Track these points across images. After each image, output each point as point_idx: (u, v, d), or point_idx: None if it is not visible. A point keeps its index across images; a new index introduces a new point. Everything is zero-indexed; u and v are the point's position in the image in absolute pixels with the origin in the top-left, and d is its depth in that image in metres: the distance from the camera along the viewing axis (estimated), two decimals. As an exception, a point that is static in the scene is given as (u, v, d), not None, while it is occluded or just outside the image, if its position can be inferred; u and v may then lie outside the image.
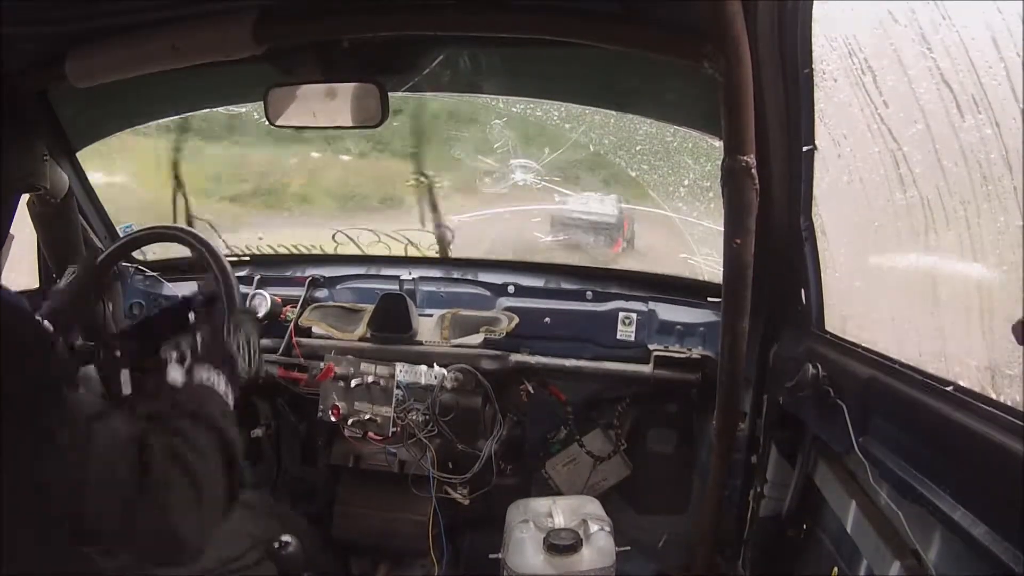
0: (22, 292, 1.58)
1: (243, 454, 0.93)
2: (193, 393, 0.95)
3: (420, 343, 1.64)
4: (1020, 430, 0.63)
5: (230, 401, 0.99)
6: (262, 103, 1.30)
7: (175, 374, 1.03)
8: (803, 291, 1.16)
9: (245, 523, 1.25)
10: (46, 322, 1.22)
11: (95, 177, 1.72)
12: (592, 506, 1.54)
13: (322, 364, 1.58)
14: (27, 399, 0.73)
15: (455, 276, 1.77)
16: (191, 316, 1.24)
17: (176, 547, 0.78)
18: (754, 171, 1.01)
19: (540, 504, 1.54)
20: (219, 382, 0.98)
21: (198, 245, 1.35)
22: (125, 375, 1.27)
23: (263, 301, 1.73)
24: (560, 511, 1.49)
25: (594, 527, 1.44)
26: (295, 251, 1.97)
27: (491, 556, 1.48)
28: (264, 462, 1.86)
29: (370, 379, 1.55)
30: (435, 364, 1.57)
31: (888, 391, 0.86)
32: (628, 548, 1.48)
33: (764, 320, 1.27)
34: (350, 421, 1.55)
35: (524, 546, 1.42)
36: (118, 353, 1.27)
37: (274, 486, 1.85)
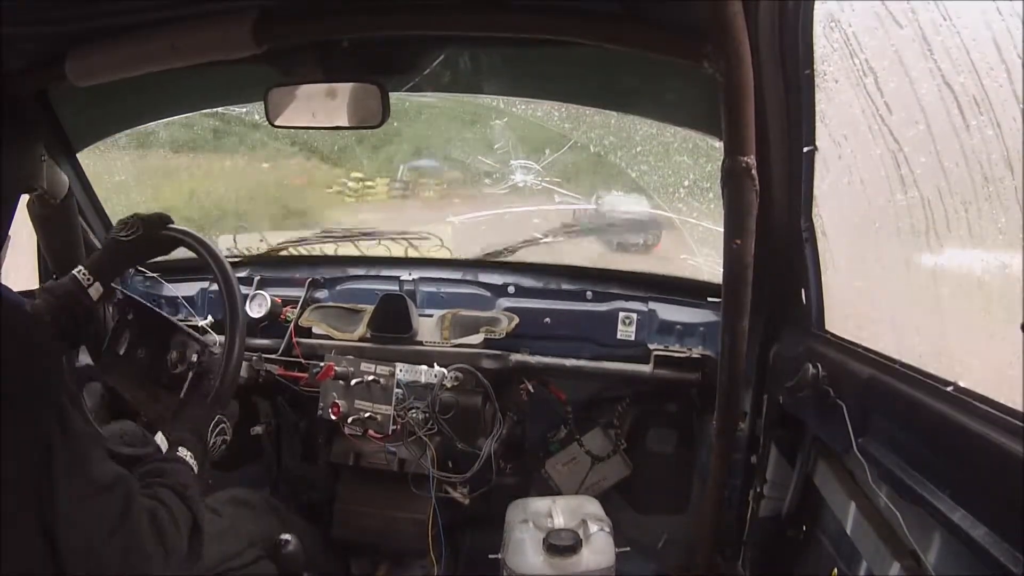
0: (23, 293, 1.58)
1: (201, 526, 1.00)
2: (173, 465, 1.01)
3: (420, 343, 1.64)
4: (1020, 431, 0.63)
5: (194, 471, 1.05)
6: (262, 103, 1.30)
7: (159, 440, 1.09)
8: (803, 291, 1.16)
9: (245, 521, 1.25)
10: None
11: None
12: (592, 506, 1.54)
13: (322, 364, 1.58)
14: (27, 404, 0.73)
15: (455, 277, 1.77)
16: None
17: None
18: (754, 172, 1.01)
19: (540, 504, 1.54)
20: (191, 459, 1.05)
21: (198, 247, 1.34)
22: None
23: (263, 302, 1.74)
24: (560, 511, 1.49)
25: (594, 528, 1.44)
26: (295, 252, 1.97)
27: (491, 556, 1.48)
28: (264, 460, 1.87)
29: (370, 378, 1.55)
30: (435, 364, 1.57)
31: (888, 391, 0.86)
32: (628, 549, 1.48)
33: (764, 320, 1.28)
34: (350, 419, 1.55)
35: (524, 546, 1.43)
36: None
37: (274, 484, 1.86)
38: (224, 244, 1.96)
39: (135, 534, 0.81)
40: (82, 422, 0.81)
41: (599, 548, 1.42)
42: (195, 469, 1.04)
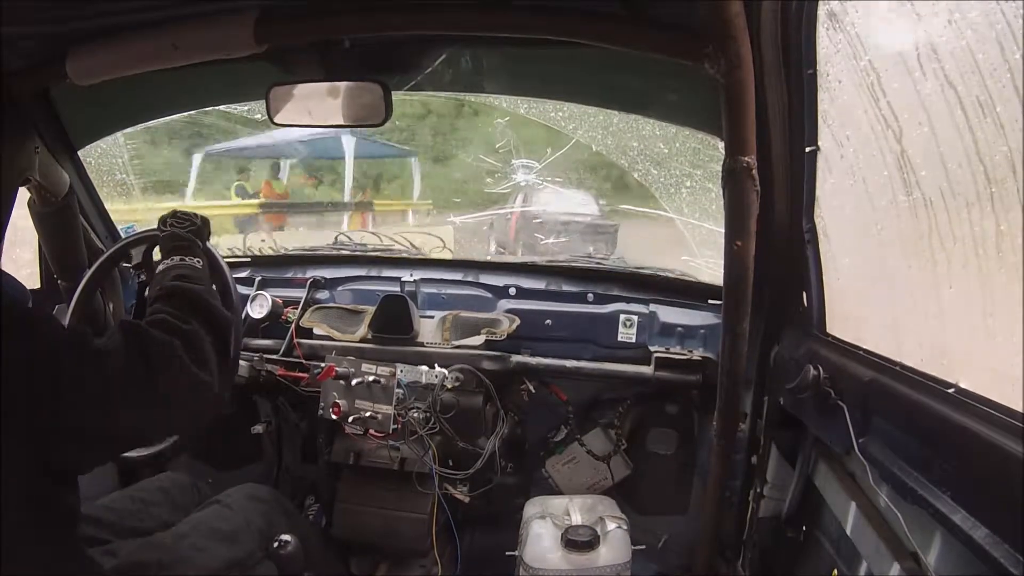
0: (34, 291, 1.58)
1: (218, 298, 1.10)
2: (156, 279, 1.08)
3: (421, 344, 1.64)
4: (1021, 432, 0.63)
5: (195, 263, 1.13)
6: (263, 102, 1.30)
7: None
8: (804, 293, 1.16)
9: (255, 517, 1.25)
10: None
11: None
12: (608, 505, 1.55)
13: (323, 364, 1.58)
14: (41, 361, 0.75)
15: (456, 278, 1.77)
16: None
17: (201, 396, 0.91)
18: (755, 172, 1.01)
19: (557, 501, 1.55)
20: (173, 259, 1.12)
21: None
22: None
23: (264, 302, 1.74)
24: (577, 509, 1.50)
25: (611, 525, 1.45)
26: (297, 253, 1.97)
27: (508, 554, 1.49)
28: (265, 459, 1.87)
29: (371, 378, 1.55)
30: (436, 364, 1.57)
31: (889, 393, 0.86)
32: (644, 547, 1.49)
33: (765, 322, 1.27)
34: (351, 419, 1.55)
35: (542, 542, 1.43)
36: None
37: (275, 484, 1.86)
38: (226, 244, 1.96)
39: (165, 357, 0.86)
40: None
41: (616, 545, 1.43)
42: (192, 262, 1.11)
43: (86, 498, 0.92)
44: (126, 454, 1.22)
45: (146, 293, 1.38)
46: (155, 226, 1.29)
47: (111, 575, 0.97)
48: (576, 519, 1.47)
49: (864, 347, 0.98)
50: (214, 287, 1.23)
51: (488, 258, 1.84)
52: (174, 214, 1.25)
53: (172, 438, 1.26)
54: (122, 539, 1.13)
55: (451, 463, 1.60)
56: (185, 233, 1.20)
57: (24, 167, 1.35)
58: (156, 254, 1.43)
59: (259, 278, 1.80)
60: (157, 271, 1.12)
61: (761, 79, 1.01)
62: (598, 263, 1.84)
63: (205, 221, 1.27)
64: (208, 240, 1.27)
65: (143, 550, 1.07)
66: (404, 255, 1.92)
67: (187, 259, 1.13)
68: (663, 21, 1.03)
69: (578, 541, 1.40)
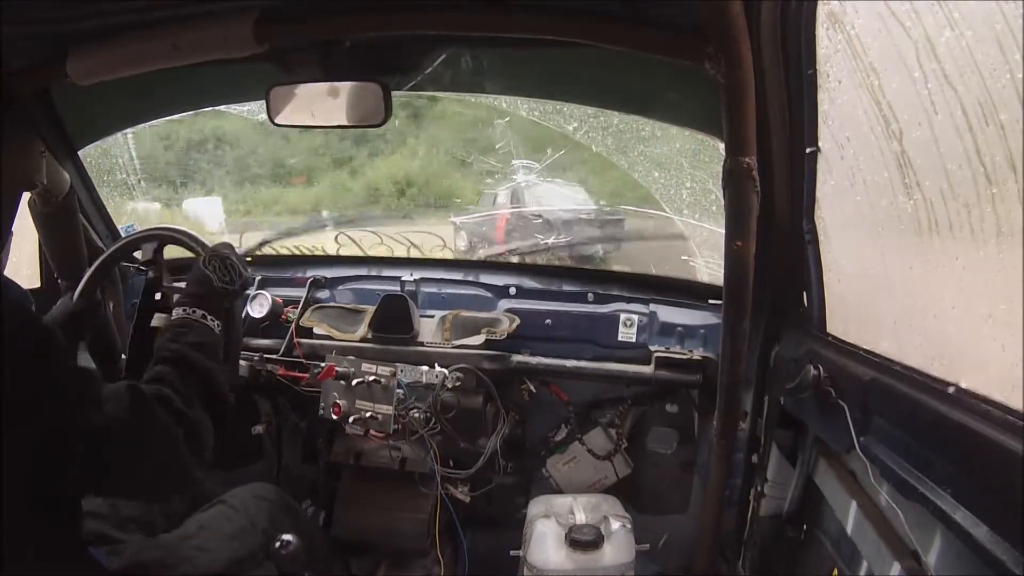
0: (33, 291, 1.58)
1: (228, 378, 1.03)
2: (171, 333, 1.01)
3: (421, 344, 1.64)
4: (1021, 431, 0.63)
5: (212, 325, 1.05)
6: (264, 102, 1.30)
7: (156, 322, 1.15)
8: (805, 293, 1.16)
9: (260, 518, 1.25)
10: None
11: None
12: (612, 504, 1.55)
13: (323, 364, 1.58)
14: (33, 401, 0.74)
15: (456, 278, 1.77)
16: (157, 296, 1.31)
17: (185, 485, 0.90)
18: (755, 173, 1.01)
19: (561, 500, 1.56)
20: (195, 312, 1.04)
21: (196, 246, 1.35)
22: None
23: (264, 302, 1.74)
24: (581, 508, 1.51)
25: (615, 524, 1.46)
26: (297, 252, 1.97)
27: (512, 553, 1.49)
28: (265, 459, 1.87)
29: (371, 378, 1.55)
30: (436, 364, 1.57)
31: (889, 392, 0.86)
32: (647, 546, 1.49)
33: (765, 321, 1.28)
34: (351, 419, 1.55)
35: (546, 541, 1.43)
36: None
37: (275, 483, 1.86)
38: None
39: (153, 426, 0.83)
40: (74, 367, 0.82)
41: (620, 544, 1.43)
42: (207, 318, 1.03)
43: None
44: None
45: (156, 296, 1.36)
46: (170, 227, 1.26)
47: None
48: (580, 518, 1.47)
49: (864, 347, 0.98)
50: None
51: (489, 257, 1.84)
52: (225, 260, 1.15)
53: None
54: (122, 530, 1.13)
55: (451, 463, 1.60)
56: (220, 288, 1.12)
57: (30, 170, 1.35)
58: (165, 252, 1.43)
59: (259, 277, 1.80)
60: (174, 318, 1.05)
61: (761, 79, 1.01)
62: (598, 262, 1.85)
63: (246, 282, 1.18)
64: (194, 235, 1.26)
65: (148, 550, 1.07)
66: (404, 255, 1.92)
67: (208, 318, 1.05)
68: (663, 21, 1.03)
69: (582, 540, 1.40)
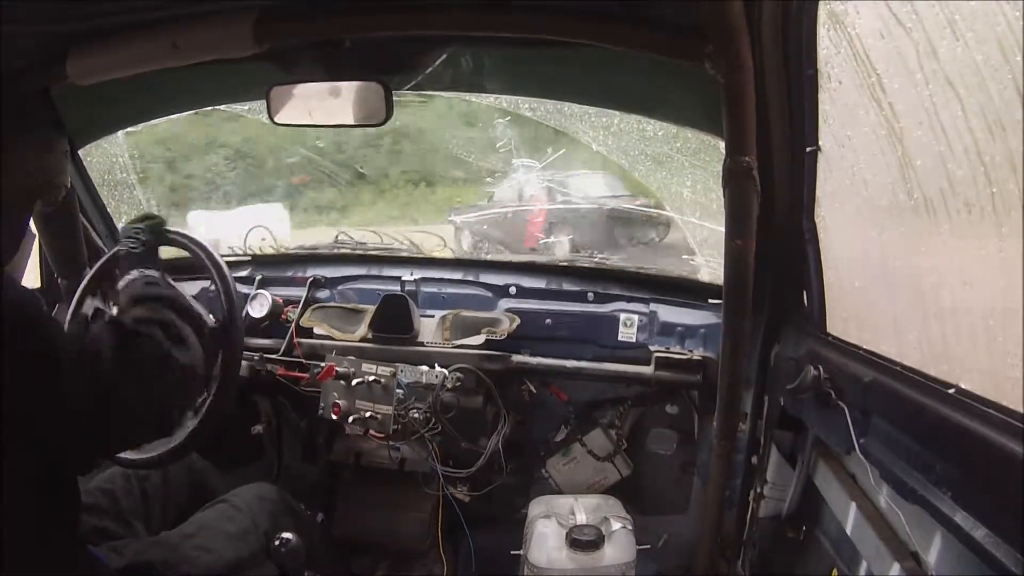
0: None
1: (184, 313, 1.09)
2: (128, 287, 1.14)
3: (421, 344, 1.64)
4: (1021, 432, 0.63)
5: (152, 275, 1.16)
6: (264, 102, 1.30)
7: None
8: (805, 293, 1.16)
9: (262, 518, 1.26)
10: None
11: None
12: (613, 504, 1.55)
13: (323, 364, 1.58)
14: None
15: (456, 277, 1.77)
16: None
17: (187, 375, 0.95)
18: (755, 172, 1.01)
19: (562, 501, 1.56)
20: (136, 274, 1.18)
21: (194, 247, 1.35)
22: None
23: (264, 301, 1.74)
24: (582, 508, 1.51)
25: (616, 524, 1.46)
26: (297, 251, 1.97)
27: (512, 552, 1.49)
28: (265, 459, 1.87)
29: (371, 378, 1.55)
30: (436, 364, 1.57)
31: (890, 393, 0.86)
32: (648, 547, 1.49)
33: (766, 321, 1.27)
34: (351, 419, 1.55)
35: (546, 541, 1.43)
36: None
37: (275, 483, 1.86)
38: (226, 243, 1.96)
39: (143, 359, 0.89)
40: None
41: (621, 544, 1.43)
42: (153, 275, 1.18)
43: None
44: (122, 455, 1.22)
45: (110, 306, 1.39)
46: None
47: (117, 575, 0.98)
48: (581, 518, 1.47)
49: (864, 347, 0.98)
50: (213, 287, 1.28)
51: (488, 257, 1.84)
52: (122, 233, 1.27)
53: (169, 443, 1.26)
54: (121, 524, 1.14)
55: (451, 463, 1.60)
56: (137, 251, 1.23)
57: (52, 171, 1.31)
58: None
59: (259, 277, 1.80)
60: (121, 285, 1.19)
61: (761, 79, 1.01)
62: (598, 262, 1.84)
63: (154, 227, 1.26)
64: (160, 245, 1.29)
65: (149, 550, 1.07)
66: (404, 254, 1.92)
67: (145, 271, 1.19)
68: (663, 21, 1.03)
69: (583, 541, 1.40)
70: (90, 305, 1.41)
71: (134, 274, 1.19)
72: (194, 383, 1.00)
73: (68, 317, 1.43)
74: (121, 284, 1.19)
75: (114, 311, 1.51)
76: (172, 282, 1.26)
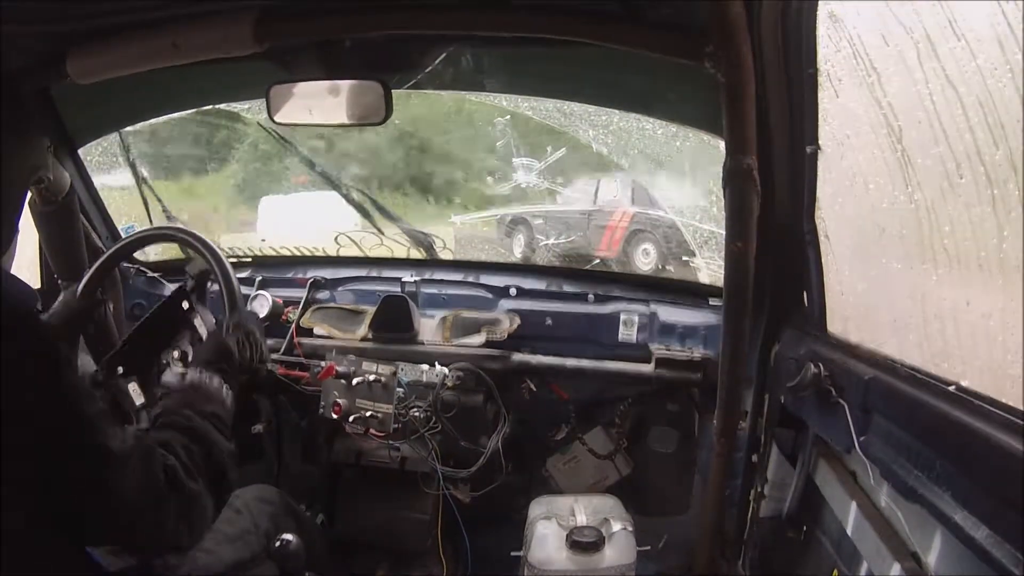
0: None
1: (235, 455, 0.96)
2: (184, 395, 0.97)
3: (422, 343, 1.64)
4: (1021, 431, 0.63)
5: (226, 397, 1.01)
6: (264, 101, 1.30)
7: (168, 376, 1.04)
8: (805, 293, 1.16)
9: (263, 520, 1.25)
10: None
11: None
12: (614, 505, 1.55)
13: (323, 363, 1.58)
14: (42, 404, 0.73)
15: (457, 278, 1.77)
16: (185, 305, 1.27)
17: (166, 544, 0.85)
18: (756, 172, 1.01)
19: (562, 501, 1.56)
20: (212, 380, 1.00)
21: (199, 246, 1.34)
22: (134, 387, 1.25)
23: (265, 302, 1.74)
24: (582, 509, 1.50)
25: (616, 526, 1.46)
26: (297, 252, 1.97)
27: (513, 554, 1.49)
28: (265, 459, 1.87)
29: (371, 377, 1.55)
30: (436, 363, 1.57)
31: (890, 391, 0.86)
32: (648, 548, 1.49)
33: (766, 321, 1.27)
34: (351, 418, 1.55)
35: (547, 543, 1.43)
36: (120, 370, 1.25)
37: (276, 483, 1.86)
38: (227, 243, 1.96)
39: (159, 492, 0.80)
40: (87, 395, 0.79)
41: (621, 546, 1.43)
42: (223, 389, 0.99)
43: None
44: None
45: (183, 304, 1.31)
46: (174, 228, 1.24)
47: None
48: (581, 519, 1.47)
49: (864, 346, 0.98)
50: (216, 286, 1.22)
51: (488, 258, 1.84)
52: (250, 335, 1.14)
53: None
54: None
55: (452, 463, 1.60)
56: (239, 361, 1.10)
57: (37, 165, 1.34)
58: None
59: (259, 278, 1.80)
60: (188, 379, 1.01)
61: (762, 79, 1.01)
62: (598, 262, 1.85)
63: (264, 362, 1.18)
64: (199, 236, 1.25)
65: None
66: (404, 255, 1.92)
67: (225, 389, 1.02)
68: (663, 21, 1.03)
69: (583, 542, 1.40)
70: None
71: (212, 381, 1.01)
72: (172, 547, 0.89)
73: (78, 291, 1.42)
74: (193, 374, 1.02)
75: (111, 308, 1.50)
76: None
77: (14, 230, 1.35)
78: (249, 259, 1.92)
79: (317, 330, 1.69)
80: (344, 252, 1.98)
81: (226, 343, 1.11)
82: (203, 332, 1.29)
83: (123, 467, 0.76)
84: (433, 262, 1.92)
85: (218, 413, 0.97)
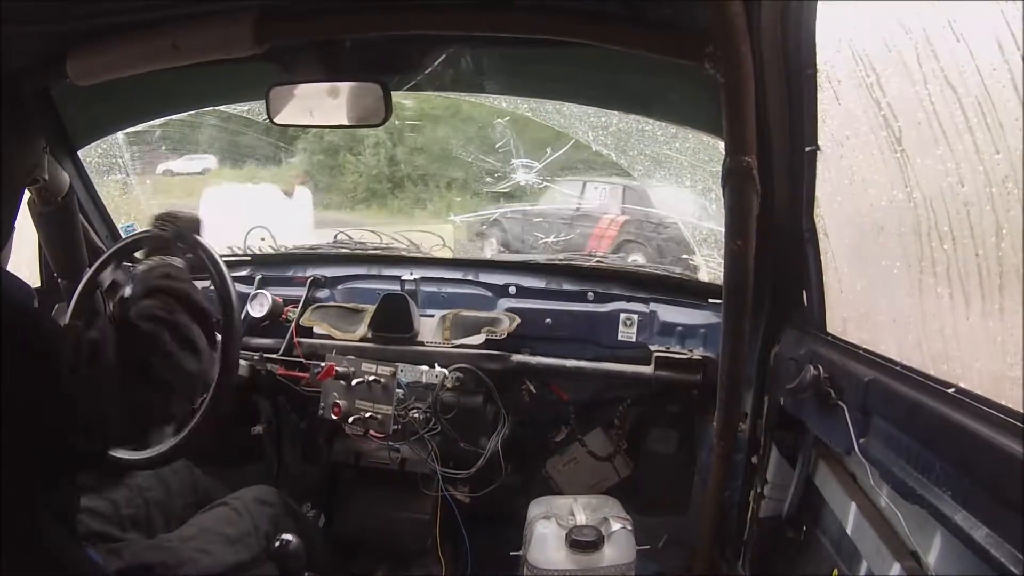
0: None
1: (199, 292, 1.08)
2: (145, 273, 1.10)
3: (421, 343, 1.64)
4: (1021, 432, 0.63)
5: (172, 261, 1.15)
6: (263, 102, 1.30)
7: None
8: (804, 292, 1.16)
9: (262, 521, 1.25)
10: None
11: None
12: (613, 505, 1.55)
13: (323, 363, 1.58)
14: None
15: (456, 277, 1.77)
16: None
17: (191, 381, 0.95)
18: (755, 172, 1.01)
19: (562, 501, 1.56)
20: (154, 259, 1.15)
21: (196, 248, 1.34)
22: None
23: (264, 301, 1.74)
24: (582, 509, 1.51)
25: (616, 525, 1.46)
26: (296, 251, 1.97)
27: (512, 553, 1.49)
28: (265, 460, 1.87)
29: (371, 378, 1.55)
30: (436, 364, 1.57)
31: (890, 393, 0.86)
32: (648, 547, 1.49)
33: (765, 321, 1.27)
34: (351, 419, 1.55)
35: (546, 542, 1.43)
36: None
37: (275, 484, 1.86)
38: (226, 242, 1.96)
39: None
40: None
41: (621, 545, 1.43)
42: (172, 261, 1.16)
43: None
44: (119, 455, 1.21)
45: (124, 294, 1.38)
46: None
47: None
48: (580, 519, 1.47)
49: (864, 347, 0.98)
50: (212, 285, 1.26)
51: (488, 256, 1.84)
52: (158, 216, 1.25)
53: (167, 442, 1.26)
54: (122, 530, 1.13)
55: (451, 464, 1.60)
56: (165, 235, 1.22)
57: (33, 165, 1.35)
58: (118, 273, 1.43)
59: (259, 277, 1.80)
60: (138, 270, 1.14)
61: (761, 79, 1.01)
62: (598, 262, 1.84)
63: (189, 220, 1.27)
64: (195, 238, 1.27)
65: (148, 552, 1.07)
66: (404, 254, 1.92)
67: (166, 259, 1.16)
68: (663, 21, 1.03)
69: (582, 541, 1.40)
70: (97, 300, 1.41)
71: (154, 260, 1.16)
72: (197, 389, 0.99)
73: (68, 316, 1.42)
74: (140, 268, 1.15)
75: (111, 308, 1.51)
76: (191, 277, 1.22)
77: (11, 229, 1.35)
78: (248, 257, 1.92)
79: (317, 329, 1.69)
80: (344, 250, 1.97)
81: (147, 235, 1.24)
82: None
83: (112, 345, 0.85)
84: (433, 260, 1.92)
85: (171, 272, 1.10)
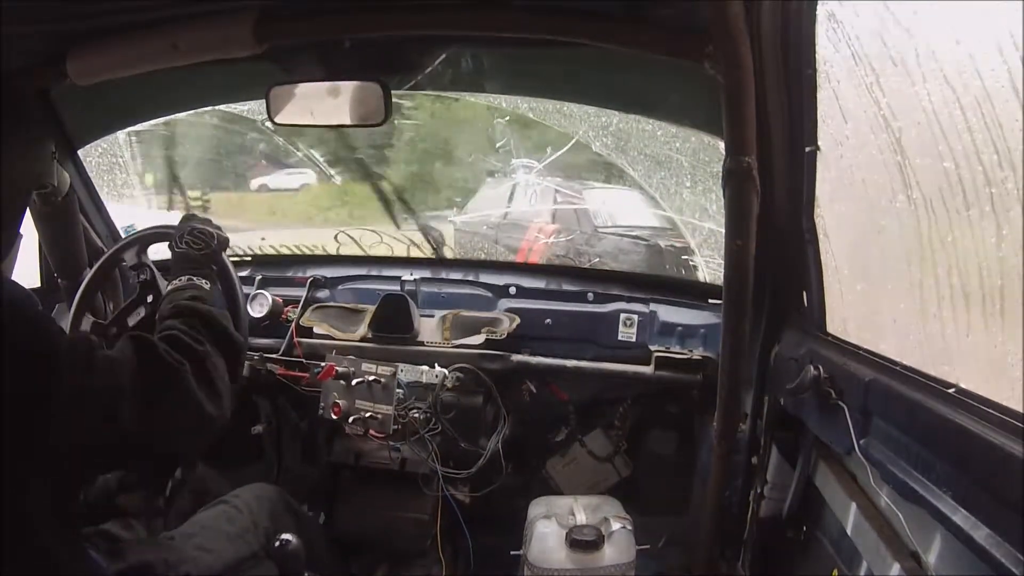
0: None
1: (229, 318, 1.07)
2: (166, 300, 1.08)
3: (421, 343, 1.64)
4: (1021, 432, 0.63)
5: (202, 283, 1.13)
6: (263, 102, 1.30)
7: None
8: (804, 293, 1.16)
9: (262, 518, 1.26)
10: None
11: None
12: (613, 505, 1.55)
13: (323, 363, 1.58)
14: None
15: (456, 277, 1.77)
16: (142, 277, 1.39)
17: (204, 425, 0.89)
18: (755, 172, 1.01)
19: (562, 501, 1.56)
20: (182, 280, 1.13)
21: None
22: None
23: (264, 301, 1.74)
24: (582, 508, 1.51)
25: (615, 525, 1.46)
26: (297, 251, 1.97)
27: (512, 553, 1.49)
28: (265, 460, 1.87)
29: (371, 378, 1.55)
30: (436, 364, 1.57)
31: (890, 393, 0.86)
32: (647, 547, 1.49)
33: (765, 322, 1.27)
34: (351, 419, 1.55)
35: (546, 541, 1.44)
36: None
37: (275, 483, 1.86)
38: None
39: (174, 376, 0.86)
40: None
41: (621, 544, 1.43)
42: (196, 280, 1.12)
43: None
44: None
45: (147, 299, 1.37)
46: (170, 225, 1.27)
47: None
48: (581, 519, 1.47)
49: (864, 347, 0.98)
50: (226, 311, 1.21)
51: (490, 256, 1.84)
52: (192, 231, 1.22)
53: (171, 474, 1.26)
54: (121, 528, 1.14)
55: (451, 464, 1.60)
56: (199, 255, 1.18)
57: (40, 171, 1.34)
58: (149, 253, 1.43)
59: (259, 277, 1.80)
60: (168, 289, 1.12)
61: (761, 79, 1.01)
62: (598, 261, 1.85)
63: (222, 242, 1.25)
64: (225, 262, 1.27)
65: (148, 550, 1.07)
66: (404, 254, 1.92)
67: (196, 280, 1.13)
68: (663, 21, 1.03)
69: (583, 541, 1.40)
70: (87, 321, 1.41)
71: (183, 280, 1.12)
72: (212, 433, 0.91)
73: (70, 316, 1.42)
74: (169, 287, 1.12)
75: (111, 308, 1.51)
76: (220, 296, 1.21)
77: (15, 236, 1.35)
78: (249, 258, 1.92)
79: (317, 329, 1.69)
80: (344, 250, 1.98)
81: (178, 252, 1.20)
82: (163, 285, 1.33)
83: (133, 376, 0.82)
84: (433, 260, 1.92)
85: (200, 295, 1.08)
